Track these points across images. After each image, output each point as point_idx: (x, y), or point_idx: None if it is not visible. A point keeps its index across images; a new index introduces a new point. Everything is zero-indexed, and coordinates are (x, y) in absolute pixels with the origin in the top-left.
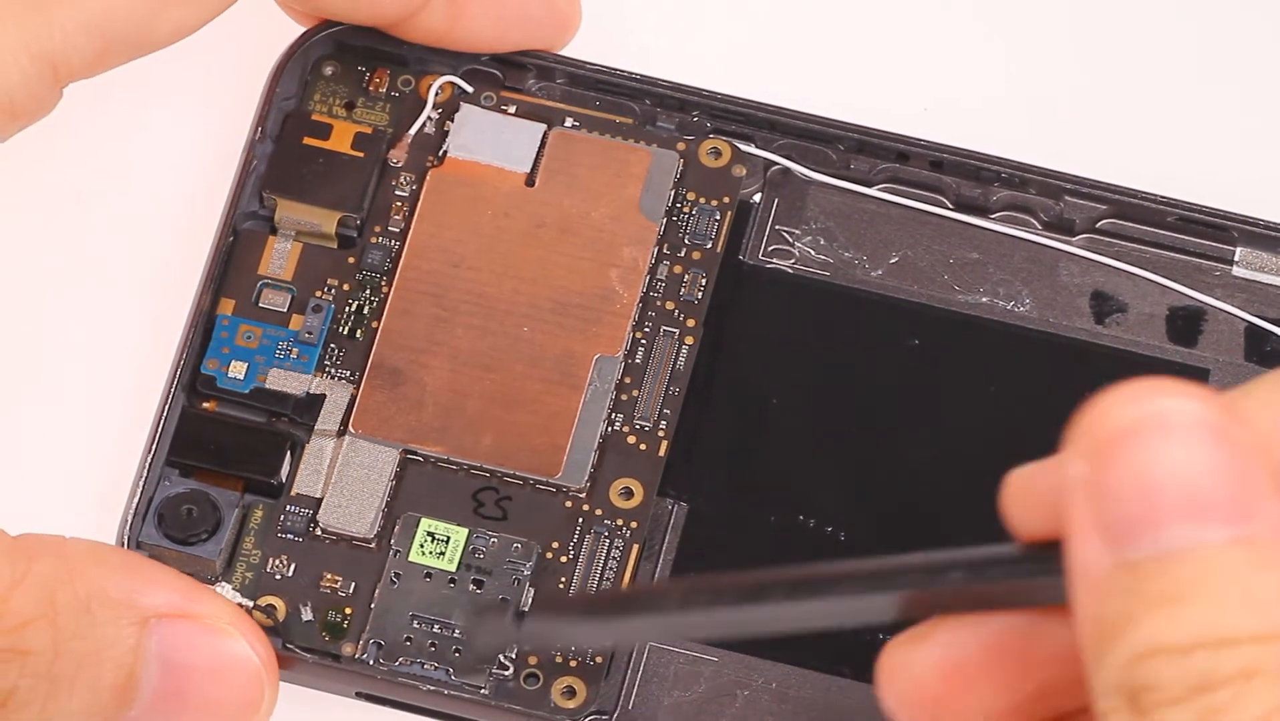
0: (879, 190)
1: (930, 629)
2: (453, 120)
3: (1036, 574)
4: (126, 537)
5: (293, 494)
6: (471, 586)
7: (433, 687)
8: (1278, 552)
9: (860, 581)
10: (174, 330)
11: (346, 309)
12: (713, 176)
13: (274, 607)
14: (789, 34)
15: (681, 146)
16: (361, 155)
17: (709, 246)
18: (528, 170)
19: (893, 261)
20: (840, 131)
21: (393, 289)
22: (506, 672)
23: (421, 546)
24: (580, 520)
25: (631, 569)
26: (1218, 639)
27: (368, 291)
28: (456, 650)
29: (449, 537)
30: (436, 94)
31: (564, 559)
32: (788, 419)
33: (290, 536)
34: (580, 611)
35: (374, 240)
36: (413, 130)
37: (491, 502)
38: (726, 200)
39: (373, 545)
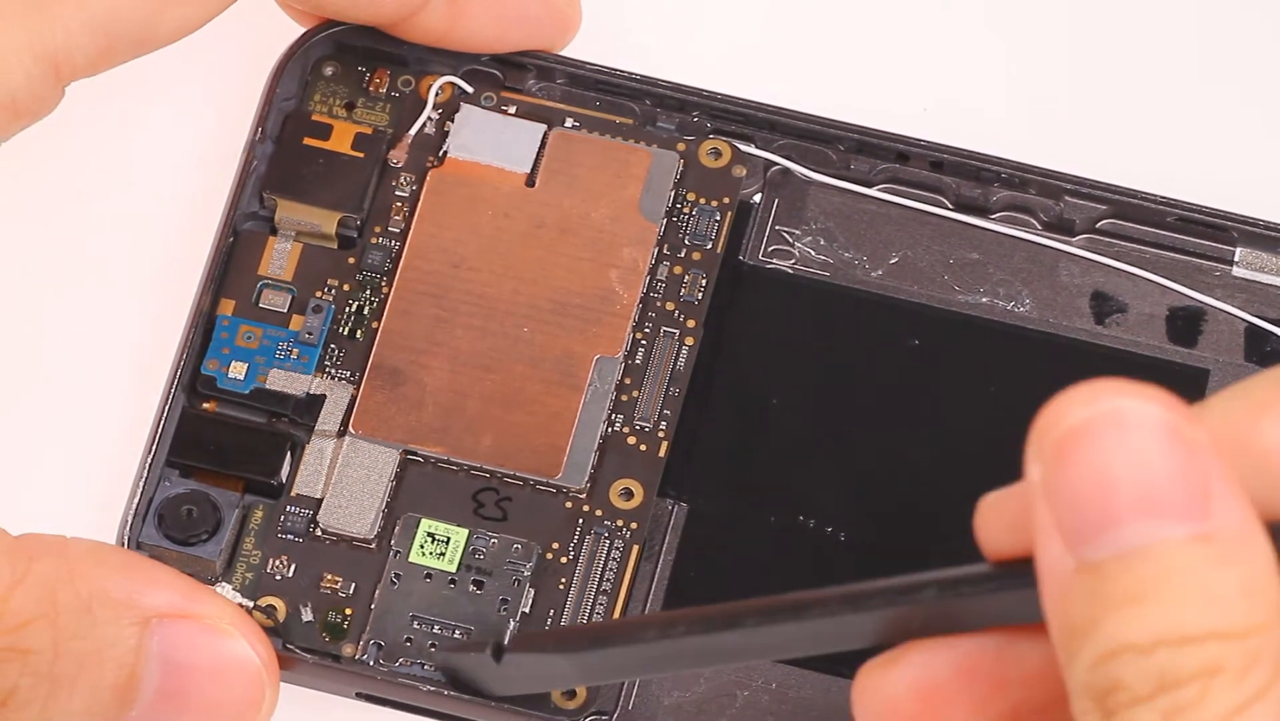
0: (879, 190)
1: (904, 651)
2: (453, 120)
3: (1008, 589)
4: (126, 538)
5: (293, 494)
6: (472, 587)
7: (433, 688)
8: (1236, 549)
9: (834, 606)
10: (174, 330)
11: (347, 309)
12: (713, 177)
13: (274, 608)
14: (789, 34)
15: (681, 147)
16: (362, 155)
17: (709, 247)
18: (528, 171)
19: (893, 262)
20: (840, 132)
21: (393, 289)
22: None
23: (422, 547)
24: (580, 521)
25: (631, 570)
26: (1179, 636)
27: (368, 292)
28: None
29: (449, 538)
30: (437, 94)
31: (564, 560)
32: (788, 419)
33: (290, 537)
34: (558, 646)
35: (374, 240)
36: (413, 130)
37: (491, 503)
38: (726, 201)
39: (373, 546)
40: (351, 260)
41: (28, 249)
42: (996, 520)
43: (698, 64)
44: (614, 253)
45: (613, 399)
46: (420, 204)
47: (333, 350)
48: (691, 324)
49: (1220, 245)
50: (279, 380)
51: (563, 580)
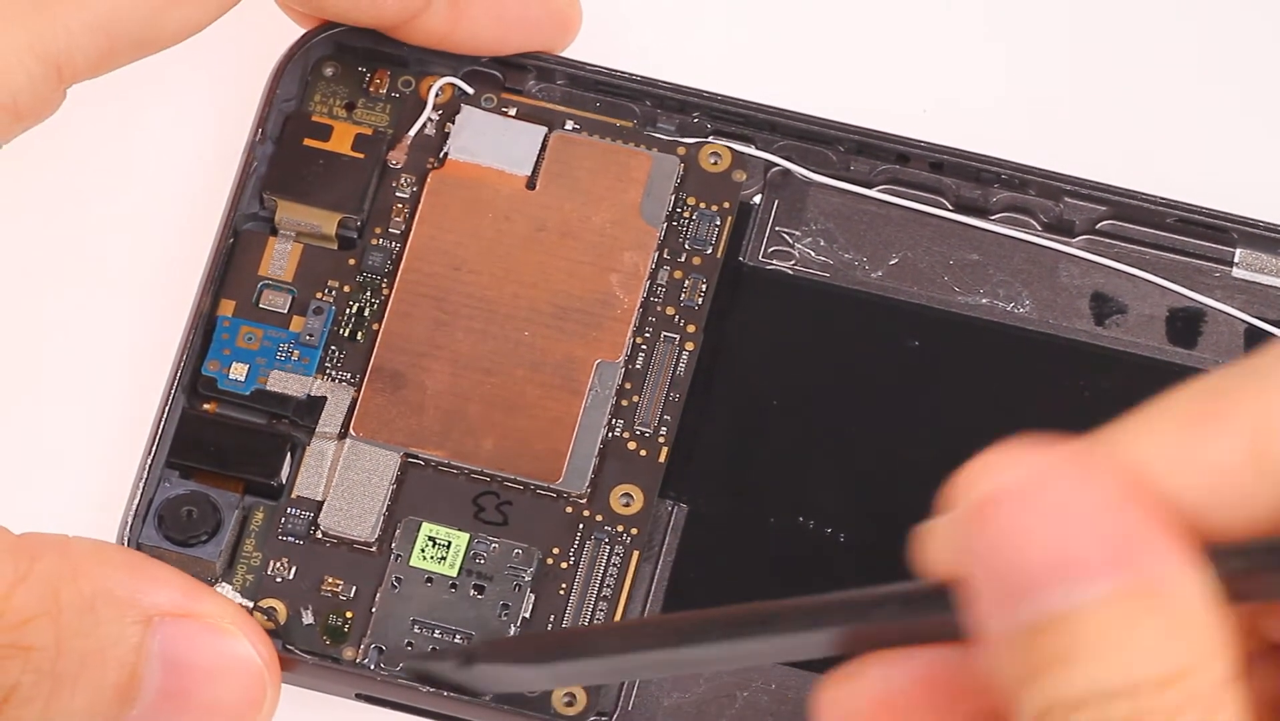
0: (879, 191)
1: (863, 664)
2: (453, 122)
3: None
4: (126, 539)
5: (293, 496)
6: (472, 592)
7: (434, 690)
8: (1159, 595)
9: (794, 619)
10: (174, 331)
11: (347, 311)
12: (713, 181)
13: (275, 610)
14: (789, 35)
15: (682, 151)
16: (362, 156)
17: (709, 252)
18: (528, 173)
19: (893, 263)
20: (840, 133)
21: (393, 291)
22: None
23: (423, 551)
24: (581, 526)
25: (631, 575)
26: (1104, 693)
27: (368, 293)
28: None
29: (450, 542)
30: (437, 95)
31: (564, 565)
32: (788, 420)
33: (291, 539)
34: (525, 654)
35: (374, 242)
36: (413, 132)
37: (492, 507)
38: (727, 205)
39: (374, 549)
40: (352, 261)
41: (28, 249)
42: (935, 550)
43: (698, 65)
44: (615, 257)
45: (613, 404)
46: (421, 205)
47: (333, 352)
48: (692, 329)
49: (1220, 246)
50: (280, 381)
51: (563, 585)
